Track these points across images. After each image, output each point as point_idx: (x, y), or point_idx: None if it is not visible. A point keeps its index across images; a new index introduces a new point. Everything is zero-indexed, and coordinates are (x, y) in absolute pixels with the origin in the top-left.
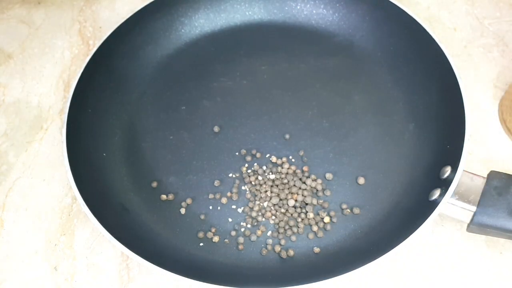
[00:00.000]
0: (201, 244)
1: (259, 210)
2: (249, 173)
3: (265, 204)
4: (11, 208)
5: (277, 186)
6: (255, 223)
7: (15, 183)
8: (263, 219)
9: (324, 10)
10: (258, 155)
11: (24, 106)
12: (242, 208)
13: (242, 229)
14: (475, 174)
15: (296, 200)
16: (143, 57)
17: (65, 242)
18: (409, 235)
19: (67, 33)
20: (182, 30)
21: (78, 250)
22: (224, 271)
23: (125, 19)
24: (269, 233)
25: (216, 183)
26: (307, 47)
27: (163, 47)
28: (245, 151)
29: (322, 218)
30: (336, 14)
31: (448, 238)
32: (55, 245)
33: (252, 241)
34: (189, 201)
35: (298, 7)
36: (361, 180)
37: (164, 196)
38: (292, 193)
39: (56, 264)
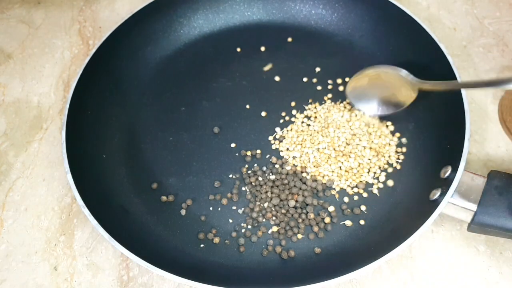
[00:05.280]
0: (202, 245)
1: (260, 211)
2: (249, 173)
3: (266, 204)
4: (11, 208)
5: (277, 186)
6: (256, 224)
7: (15, 183)
8: (264, 220)
9: (323, 10)
10: (258, 155)
11: (24, 106)
12: (243, 209)
13: (243, 230)
14: (475, 174)
15: (296, 201)
16: (142, 58)
17: (64, 242)
18: (411, 235)
19: (67, 33)
20: (181, 31)
21: (78, 250)
22: (225, 272)
23: (124, 19)
24: (269, 233)
25: (216, 184)
26: (306, 47)
27: (162, 48)
28: (245, 151)
29: (323, 219)
30: (335, 14)
31: (448, 238)
32: (55, 245)
33: (253, 242)
34: (189, 202)
35: (297, 7)
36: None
37: (164, 198)
38: (292, 194)
39: (56, 264)
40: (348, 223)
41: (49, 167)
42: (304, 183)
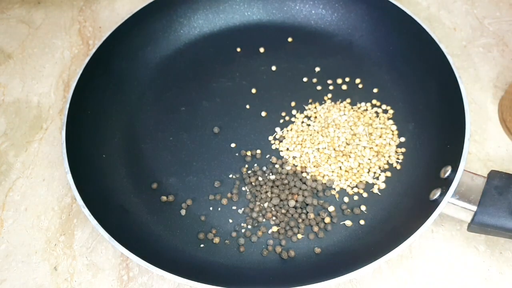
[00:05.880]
0: (202, 245)
1: (260, 211)
2: (249, 173)
3: (266, 204)
4: (11, 208)
5: (277, 186)
6: (256, 224)
7: (15, 183)
8: (264, 220)
9: (323, 10)
10: (258, 155)
11: (24, 106)
12: (243, 209)
13: (243, 230)
14: (475, 174)
15: (296, 201)
16: (142, 58)
17: (64, 242)
18: (411, 235)
19: (67, 33)
20: (181, 31)
21: (78, 250)
22: (225, 272)
23: (124, 19)
24: (269, 233)
25: (216, 184)
26: (306, 47)
27: (162, 48)
28: (245, 151)
29: (323, 219)
30: (335, 14)
31: (448, 238)
32: (55, 245)
33: (253, 242)
34: (189, 202)
35: (297, 7)
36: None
37: (164, 197)
38: (292, 194)
39: (56, 264)
40: (348, 223)
41: (49, 167)
42: (304, 183)
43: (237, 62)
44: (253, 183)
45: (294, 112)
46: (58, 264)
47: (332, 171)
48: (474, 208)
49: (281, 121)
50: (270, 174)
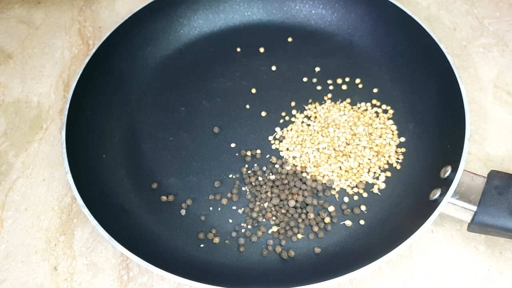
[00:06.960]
0: (202, 245)
1: (260, 211)
2: (249, 173)
3: (266, 204)
4: (11, 208)
5: (277, 186)
6: (256, 224)
7: (15, 183)
8: (264, 220)
9: (323, 10)
10: (258, 155)
11: (24, 106)
12: (243, 209)
13: (243, 230)
14: (475, 174)
15: (296, 201)
16: (142, 58)
17: (64, 242)
18: (411, 235)
19: (67, 33)
20: (181, 31)
21: (78, 250)
22: (225, 272)
23: (124, 19)
24: (269, 233)
25: (216, 184)
26: (306, 47)
27: (162, 48)
28: (245, 151)
29: (323, 219)
30: (335, 14)
31: (448, 238)
32: (55, 245)
33: (253, 242)
34: (189, 202)
35: (297, 7)
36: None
37: (164, 197)
38: (292, 194)
39: (55, 264)
40: (348, 223)
41: (49, 167)
42: (304, 183)
43: (237, 62)
44: (253, 183)
45: (294, 112)
46: (58, 264)
47: (332, 171)
48: (474, 208)
49: (281, 121)
50: (270, 174)
